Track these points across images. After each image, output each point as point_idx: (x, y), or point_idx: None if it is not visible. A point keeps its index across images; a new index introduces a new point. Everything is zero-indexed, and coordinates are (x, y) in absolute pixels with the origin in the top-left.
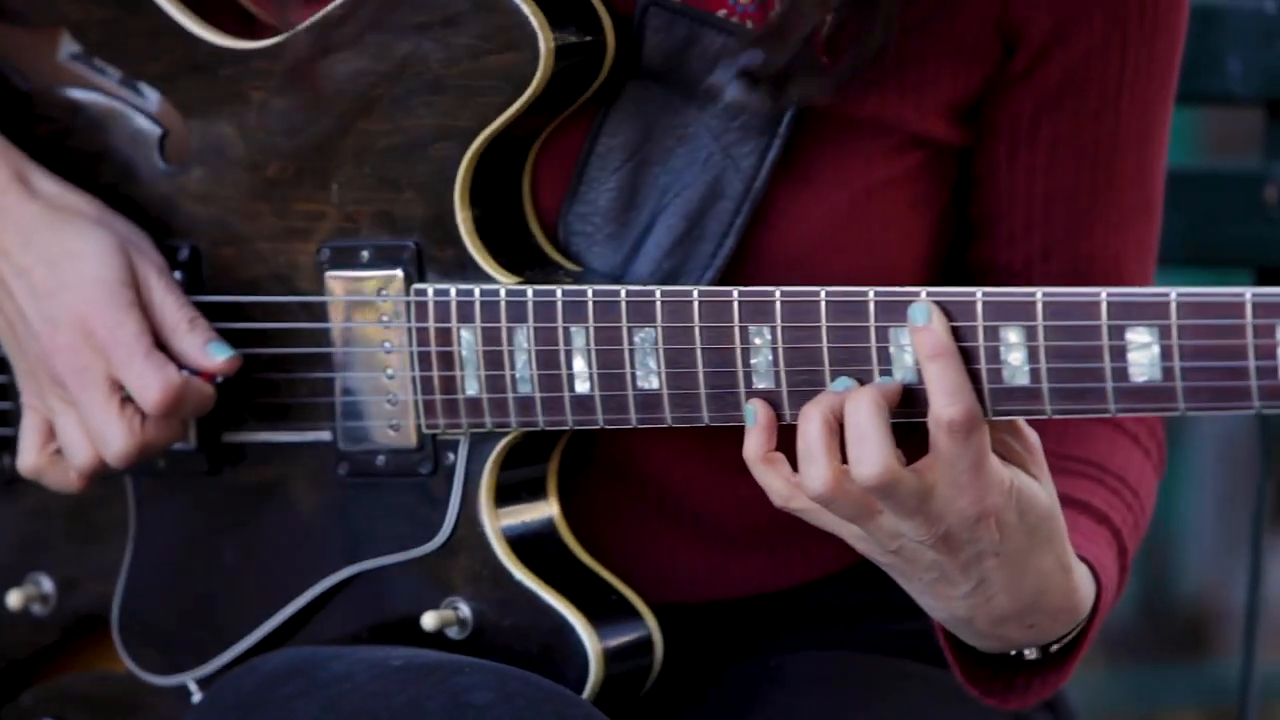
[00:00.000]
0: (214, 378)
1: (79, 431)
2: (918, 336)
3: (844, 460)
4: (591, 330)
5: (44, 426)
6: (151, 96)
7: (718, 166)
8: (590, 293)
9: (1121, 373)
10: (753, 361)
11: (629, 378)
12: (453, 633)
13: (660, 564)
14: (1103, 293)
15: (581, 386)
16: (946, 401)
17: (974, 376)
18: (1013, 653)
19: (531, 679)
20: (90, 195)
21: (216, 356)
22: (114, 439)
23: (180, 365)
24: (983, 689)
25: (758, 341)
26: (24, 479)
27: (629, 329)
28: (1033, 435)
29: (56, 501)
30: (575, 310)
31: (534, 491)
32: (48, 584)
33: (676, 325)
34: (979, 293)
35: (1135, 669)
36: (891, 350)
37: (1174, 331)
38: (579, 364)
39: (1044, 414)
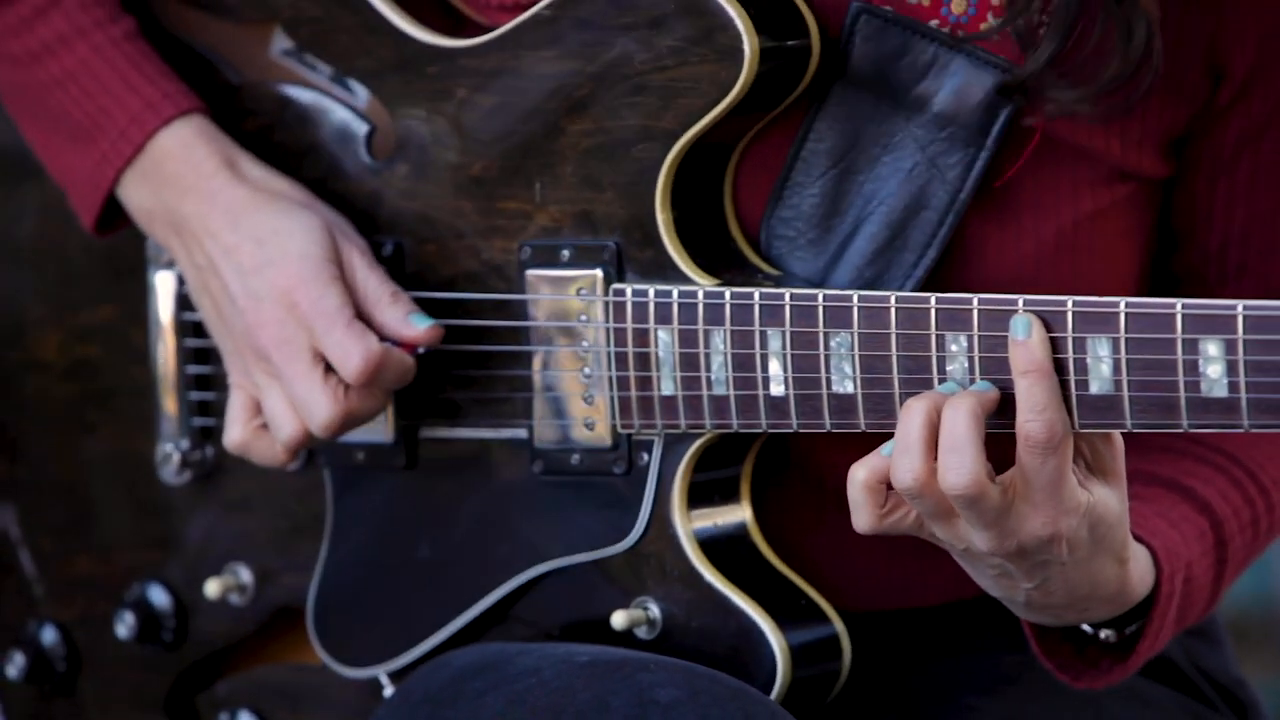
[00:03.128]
0: (415, 349)
1: (284, 404)
2: (1014, 350)
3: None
4: (788, 334)
5: (250, 403)
6: (360, 93)
7: (923, 176)
8: (787, 296)
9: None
10: (948, 368)
11: (824, 381)
12: (641, 632)
13: (852, 572)
14: (1178, 304)
15: (776, 389)
16: (1030, 416)
17: (1171, 387)
18: (1090, 632)
19: (718, 677)
20: (296, 182)
21: (419, 326)
22: (318, 408)
23: (382, 337)
24: (1060, 664)
25: (954, 348)
26: (224, 471)
27: (825, 334)
28: (1118, 442)
29: (257, 494)
30: (772, 314)
31: (727, 495)
32: (246, 575)
33: (873, 331)
34: (1179, 304)
35: None
36: (1089, 361)
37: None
38: (774, 367)
39: (1126, 428)
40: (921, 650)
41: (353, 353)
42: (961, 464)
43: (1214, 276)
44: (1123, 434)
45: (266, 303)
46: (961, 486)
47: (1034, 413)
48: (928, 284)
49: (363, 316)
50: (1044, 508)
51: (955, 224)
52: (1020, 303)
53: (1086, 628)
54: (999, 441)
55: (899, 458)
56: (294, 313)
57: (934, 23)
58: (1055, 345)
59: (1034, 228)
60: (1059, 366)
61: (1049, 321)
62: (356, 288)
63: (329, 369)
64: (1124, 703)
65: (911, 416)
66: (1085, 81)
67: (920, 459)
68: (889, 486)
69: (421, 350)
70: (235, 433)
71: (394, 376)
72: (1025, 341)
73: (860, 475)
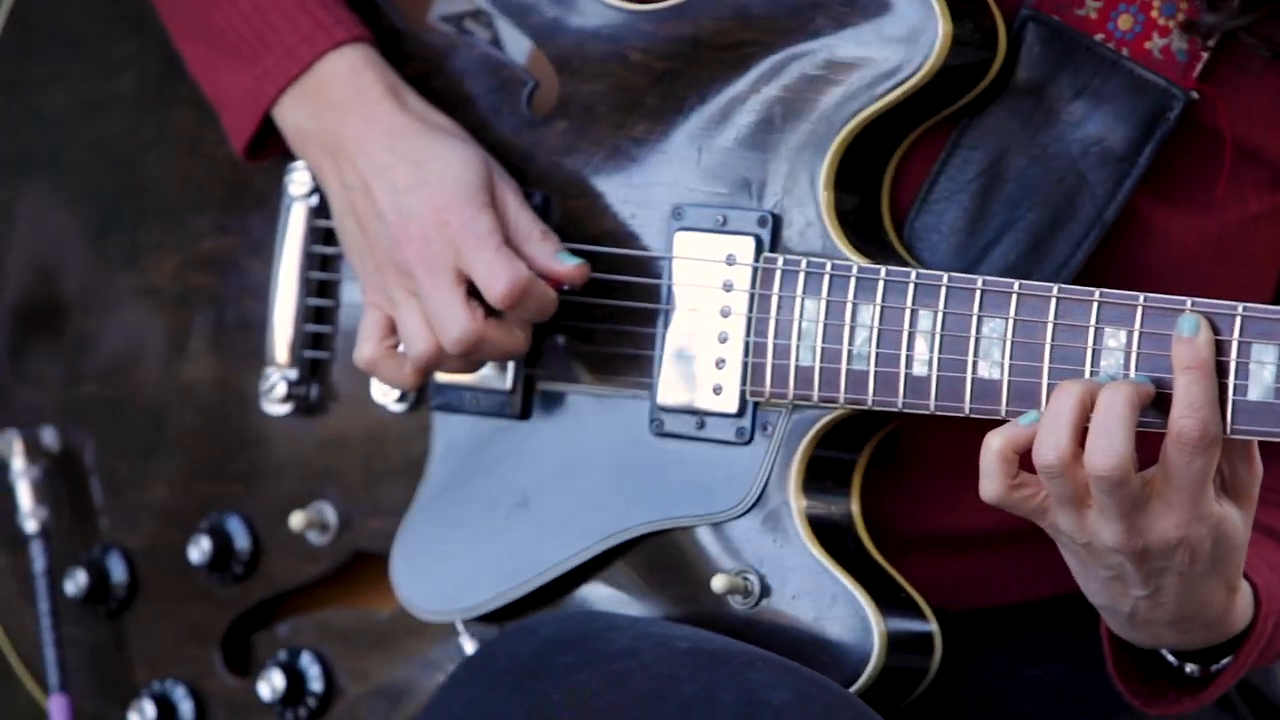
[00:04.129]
0: (560, 286)
1: (420, 320)
2: (1178, 347)
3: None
4: (939, 315)
5: (384, 321)
6: (523, 47)
7: (1071, 188)
8: (945, 278)
9: None
10: (1102, 364)
11: (970, 365)
12: (738, 601)
13: (922, 568)
14: None
15: (919, 370)
16: (1186, 413)
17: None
18: (1174, 663)
19: (827, 683)
20: (455, 122)
21: (566, 263)
22: (454, 323)
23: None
24: (1131, 688)
25: (1111, 344)
26: (326, 408)
27: (979, 318)
28: (1259, 466)
29: (356, 433)
30: (927, 294)
31: (840, 481)
32: (331, 514)
33: (1029, 319)
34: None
35: None
36: (1251, 366)
37: None
38: (920, 346)
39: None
40: (979, 656)
41: (500, 274)
42: (1110, 446)
43: None
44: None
45: (416, 219)
46: (1107, 468)
47: (1190, 410)
48: (1083, 274)
49: (511, 248)
50: (1179, 509)
51: (1100, 238)
52: (1189, 304)
53: (1170, 658)
54: (1144, 443)
55: (1045, 434)
56: (444, 231)
57: (1099, 37)
58: (1219, 348)
59: (1202, 222)
60: (1220, 369)
61: (1215, 324)
62: (508, 220)
63: (470, 292)
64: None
65: (1064, 396)
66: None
67: (1067, 437)
68: (1021, 460)
69: (565, 288)
70: (367, 349)
71: (536, 307)
72: (1191, 339)
73: (995, 443)
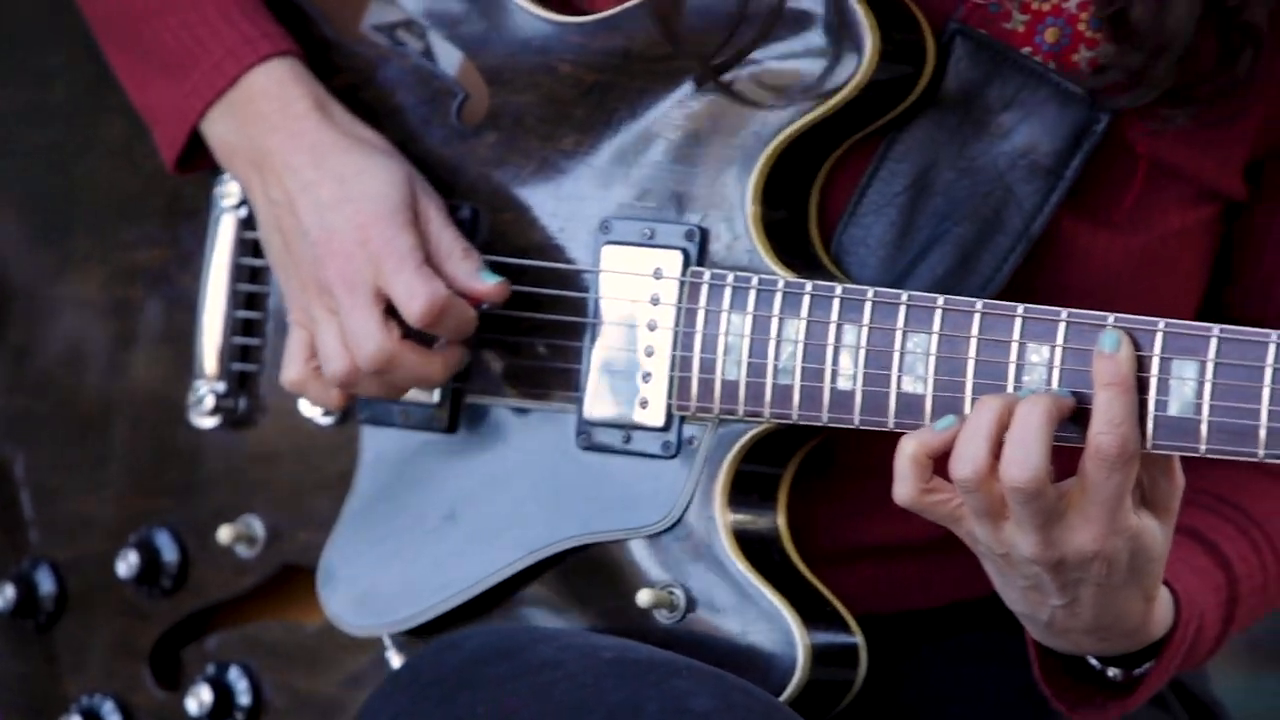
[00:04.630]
0: (480, 304)
1: (337, 339)
2: (1099, 363)
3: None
4: (864, 329)
5: (309, 341)
6: (454, 58)
7: (999, 201)
8: (870, 293)
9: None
10: (1024, 378)
11: (894, 380)
12: (663, 615)
13: (853, 573)
14: (1273, 335)
15: (844, 384)
16: (1105, 429)
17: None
18: (1098, 668)
19: (751, 690)
20: (382, 135)
21: (487, 281)
22: (368, 340)
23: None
24: (1057, 693)
25: (1034, 359)
26: (254, 421)
27: (904, 333)
28: (1180, 479)
29: (285, 447)
30: (852, 309)
31: (766, 494)
32: (259, 527)
33: (953, 334)
34: (1275, 335)
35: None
36: (1172, 382)
37: None
38: (845, 361)
39: (1199, 452)
40: (915, 657)
41: (419, 293)
42: (1026, 458)
43: (1254, 314)
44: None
45: (339, 236)
46: (1022, 480)
47: (1110, 425)
48: (1009, 288)
49: (433, 267)
50: (1096, 523)
51: (1026, 251)
52: (1111, 319)
53: (1094, 662)
54: (1061, 456)
55: (962, 447)
56: (365, 248)
57: (1026, 50)
58: (1140, 364)
59: (1128, 240)
60: (1141, 385)
61: (1137, 340)
62: (430, 238)
63: (389, 312)
64: None
65: (983, 410)
66: (1189, 101)
67: (984, 450)
68: (938, 466)
69: (485, 307)
70: (292, 371)
71: (454, 325)
72: (1112, 355)
73: (909, 447)
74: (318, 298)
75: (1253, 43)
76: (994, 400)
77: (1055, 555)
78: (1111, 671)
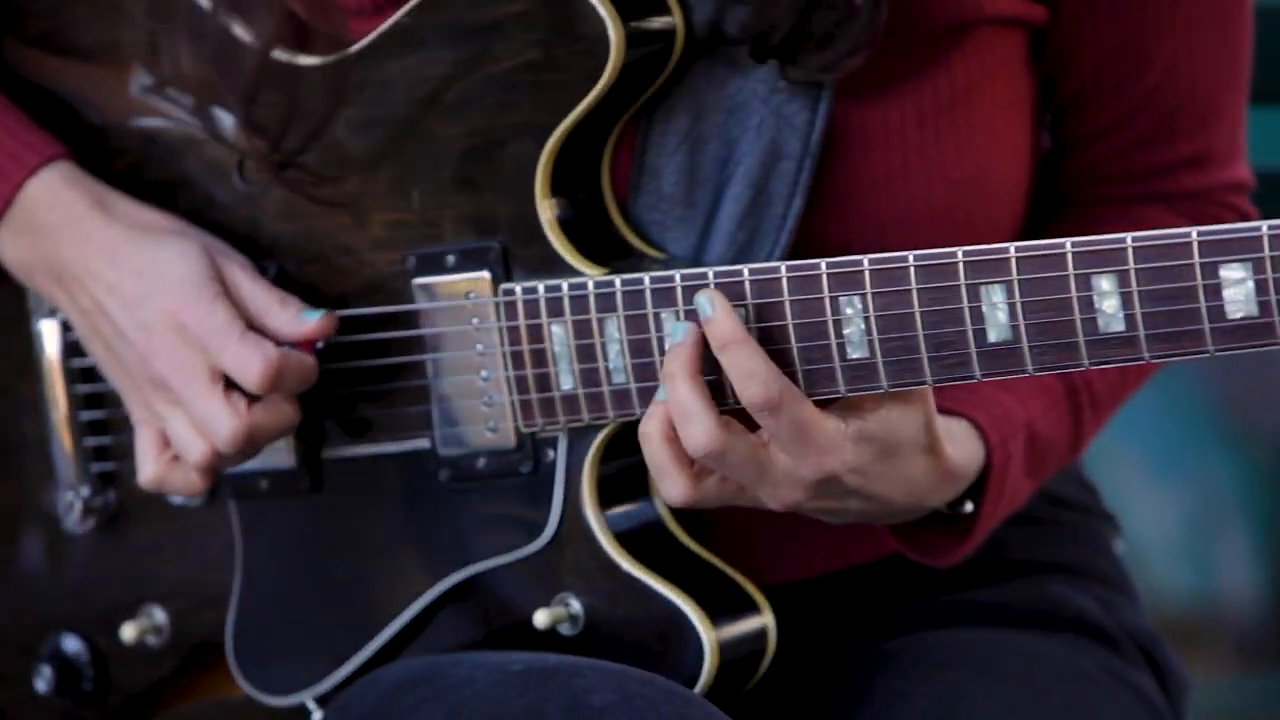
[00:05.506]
0: (313, 345)
1: (189, 427)
2: (706, 329)
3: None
4: (682, 314)
5: (158, 437)
6: (226, 120)
7: (772, 128)
8: (678, 277)
9: (1218, 311)
10: (845, 332)
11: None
12: (565, 629)
13: (769, 543)
14: (1193, 232)
15: None
16: (744, 384)
17: (1069, 326)
18: (946, 512)
19: (651, 679)
20: (168, 212)
21: (311, 320)
22: (221, 424)
23: (278, 343)
24: (920, 550)
25: (849, 311)
26: (128, 515)
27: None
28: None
29: (163, 534)
30: (664, 296)
31: (636, 483)
32: (161, 615)
33: (767, 301)
34: (1068, 243)
35: (1268, 674)
36: (984, 309)
37: (1133, 278)
38: None
39: (1143, 359)
40: (850, 624)
41: (251, 361)
42: (696, 428)
43: (1092, 110)
44: None
45: (156, 330)
46: (704, 447)
47: (745, 379)
48: (812, 216)
49: (254, 328)
50: (803, 455)
51: (814, 167)
52: (910, 258)
53: (943, 509)
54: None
55: (663, 482)
56: (184, 335)
57: None
58: (950, 295)
59: (904, 108)
60: (955, 317)
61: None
62: (243, 301)
63: (229, 385)
64: (1057, 677)
65: (650, 442)
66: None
67: (677, 473)
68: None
69: (320, 345)
70: (148, 469)
71: (297, 378)
72: (711, 318)
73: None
74: (155, 394)
75: None
76: (649, 422)
77: (799, 495)
78: (964, 506)
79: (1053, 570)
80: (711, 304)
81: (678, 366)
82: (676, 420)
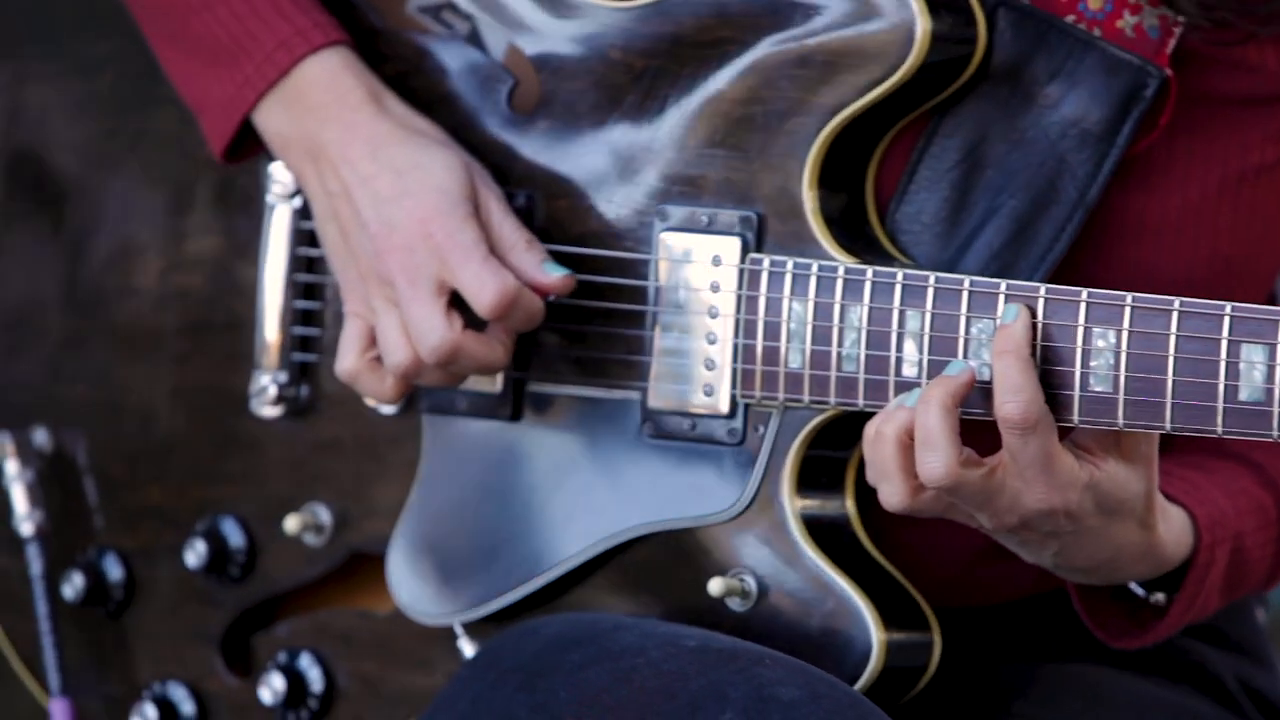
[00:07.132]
0: (546, 296)
1: (399, 330)
2: (997, 333)
3: None
4: (928, 315)
5: (365, 332)
6: (501, 44)
7: (1052, 171)
8: (932, 279)
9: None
10: (1092, 364)
11: None
12: (734, 603)
13: (938, 568)
14: (1175, 302)
15: (909, 371)
16: (1006, 398)
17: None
18: (1141, 595)
19: (835, 683)
20: (437, 124)
21: (553, 273)
22: (431, 332)
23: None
24: (1099, 622)
25: (1100, 344)
26: (318, 410)
27: (967, 319)
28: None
29: (348, 436)
30: (914, 294)
31: (833, 479)
32: (325, 515)
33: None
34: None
35: None
36: (1241, 366)
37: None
38: (909, 348)
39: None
40: (987, 651)
41: (489, 285)
42: (935, 460)
43: None
44: None
45: (399, 230)
46: (937, 479)
47: (1009, 393)
48: (1058, 272)
49: (496, 257)
50: (1036, 484)
51: (1084, 220)
52: (1176, 303)
53: (1138, 590)
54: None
55: (882, 484)
56: (428, 243)
57: (1070, 18)
58: (1209, 347)
59: (1192, 182)
60: (1209, 369)
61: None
62: (492, 230)
63: (452, 303)
64: (1171, 717)
65: (884, 444)
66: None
67: (900, 477)
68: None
69: (551, 298)
70: (347, 361)
71: (523, 317)
72: (1008, 325)
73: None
74: (378, 289)
75: None
76: (887, 423)
77: (1013, 520)
78: (1155, 597)
79: (1194, 632)
80: (1016, 313)
81: (1009, 346)
82: (918, 443)
